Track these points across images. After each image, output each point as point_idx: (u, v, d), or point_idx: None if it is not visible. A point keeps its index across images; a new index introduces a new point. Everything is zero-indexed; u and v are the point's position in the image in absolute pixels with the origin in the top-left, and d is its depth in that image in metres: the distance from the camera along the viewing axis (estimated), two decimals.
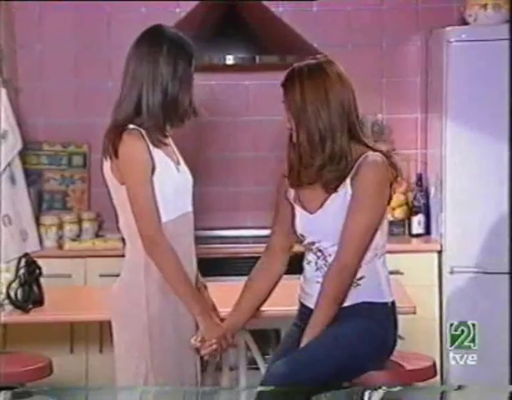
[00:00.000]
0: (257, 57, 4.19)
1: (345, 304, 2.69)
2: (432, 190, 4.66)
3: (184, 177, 2.82)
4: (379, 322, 2.70)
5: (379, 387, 3.17)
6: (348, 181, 2.64)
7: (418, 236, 4.64)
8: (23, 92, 4.77)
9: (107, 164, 2.77)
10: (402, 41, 4.79)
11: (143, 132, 2.71)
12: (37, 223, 4.55)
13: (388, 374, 3.23)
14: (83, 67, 4.79)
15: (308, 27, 4.63)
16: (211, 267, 4.40)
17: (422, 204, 4.65)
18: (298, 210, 2.73)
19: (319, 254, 2.71)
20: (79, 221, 4.65)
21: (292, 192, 2.76)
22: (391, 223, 4.69)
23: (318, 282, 2.71)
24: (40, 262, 3.60)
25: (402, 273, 4.34)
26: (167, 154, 2.76)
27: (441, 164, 4.44)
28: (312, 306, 2.72)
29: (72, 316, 3.62)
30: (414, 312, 3.38)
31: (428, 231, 4.65)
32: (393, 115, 4.82)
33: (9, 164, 4.39)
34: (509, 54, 3.94)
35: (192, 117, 2.82)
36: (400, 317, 3.71)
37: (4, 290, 3.56)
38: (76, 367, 4.23)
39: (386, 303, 2.73)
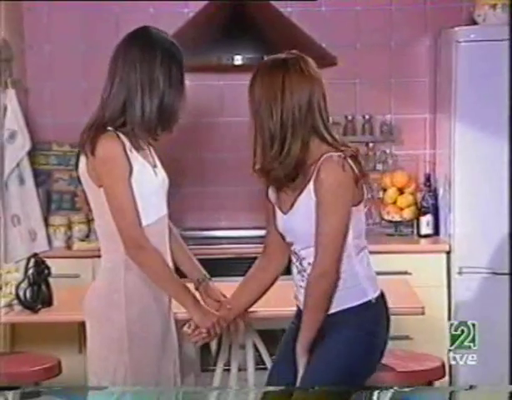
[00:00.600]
0: (265, 58, 4.18)
1: (330, 311, 2.66)
2: (440, 190, 4.65)
3: (161, 179, 2.79)
4: (365, 326, 2.66)
5: (388, 388, 3.17)
6: (311, 184, 2.59)
7: (426, 236, 4.63)
8: (32, 92, 4.78)
9: (82, 162, 2.73)
10: (411, 41, 4.78)
11: (122, 135, 2.68)
12: (46, 223, 4.56)
13: (397, 375, 3.23)
14: (92, 67, 4.80)
15: (317, 27, 4.62)
16: (212, 267, 4.42)
17: (430, 204, 4.64)
18: (277, 210, 2.72)
19: (296, 257, 2.70)
20: (88, 221, 4.66)
21: (271, 192, 2.74)
22: (399, 223, 4.70)
23: (301, 286, 2.69)
24: (49, 262, 3.61)
25: (410, 274, 4.33)
26: (144, 157, 2.74)
27: (450, 164, 4.43)
28: (301, 307, 2.70)
29: (81, 316, 3.61)
30: (423, 313, 3.37)
31: (436, 231, 4.64)
32: (401, 115, 4.82)
33: (18, 164, 4.40)
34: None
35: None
36: (409, 318, 3.71)
37: (13, 290, 3.57)
38: (84, 366, 4.23)
39: (369, 301, 2.68)
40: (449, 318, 4.39)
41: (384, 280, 4.16)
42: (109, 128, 2.69)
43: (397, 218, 4.68)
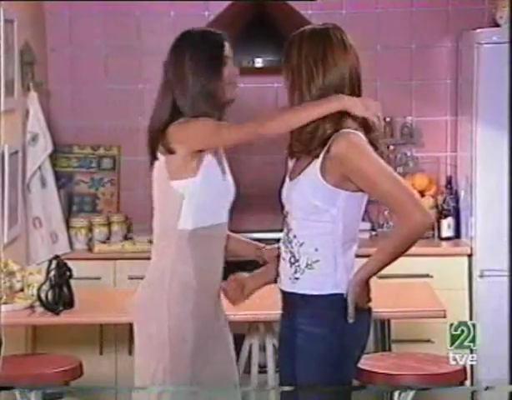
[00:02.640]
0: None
1: (301, 291, 2.58)
2: (462, 193, 4.63)
3: (227, 187, 2.82)
4: (333, 325, 2.56)
5: (409, 389, 3.16)
6: (320, 157, 2.55)
7: (447, 239, 4.61)
8: (54, 95, 4.81)
9: (161, 161, 2.75)
10: (432, 43, 4.77)
11: None
12: (67, 226, 4.58)
13: (418, 377, 3.22)
14: (113, 70, 4.82)
15: None
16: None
17: (452, 207, 4.62)
18: (287, 178, 2.68)
19: (286, 227, 2.65)
20: (109, 223, 4.67)
21: (289, 161, 2.70)
22: None
23: (284, 259, 2.63)
24: (70, 264, 3.63)
25: (432, 277, 4.32)
26: (217, 160, 2.79)
27: (471, 167, 4.41)
28: (279, 284, 2.65)
29: (102, 318, 3.64)
30: (445, 316, 3.36)
31: (457, 234, 4.62)
32: (422, 117, 4.80)
33: (40, 167, 4.42)
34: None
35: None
36: (430, 321, 3.70)
37: (35, 292, 3.59)
38: (105, 368, 4.25)
39: (341, 294, 2.58)
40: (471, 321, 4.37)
41: (405, 283, 4.19)
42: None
43: None
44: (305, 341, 2.57)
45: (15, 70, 4.20)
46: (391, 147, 4.78)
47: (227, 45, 2.82)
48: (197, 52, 2.76)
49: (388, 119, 4.78)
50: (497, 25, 4.43)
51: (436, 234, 4.66)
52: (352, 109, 2.54)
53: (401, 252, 2.58)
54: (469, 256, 4.42)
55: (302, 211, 2.59)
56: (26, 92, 4.37)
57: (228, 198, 2.82)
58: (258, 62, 4.23)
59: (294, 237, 2.61)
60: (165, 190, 2.75)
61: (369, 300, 2.64)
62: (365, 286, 2.61)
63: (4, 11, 3.97)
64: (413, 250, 4.70)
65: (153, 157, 2.76)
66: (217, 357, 2.79)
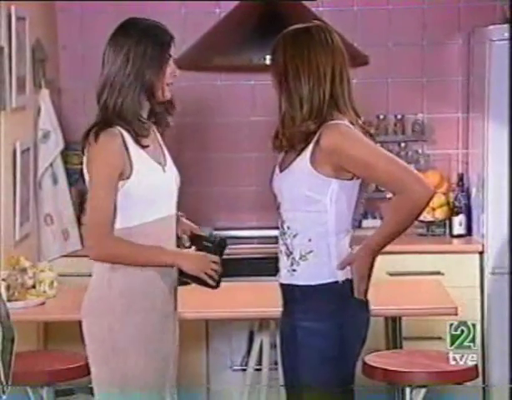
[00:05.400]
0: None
1: (298, 282, 2.60)
2: (473, 190, 4.61)
3: (169, 178, 2.71)
4: (332, 317, 2.56)
5: (421, 386, 3.15)
6: (310, 147, 2.58)
7: (459, 236, 4.60)
8: (65, 92, 4.82)
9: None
10: (443, 40, 4.76)
11: (124, 132, 2.63)
12: (79, 223, 4.59)
13: (430, 375, 3.22)
14: None
15: (349, 26, 4.61)
16: (233, 267, 4.41)
17: (463, 204, 4.61)
18: (276, 170, 2.70)
19: (280, 218, 2.66)
20: None
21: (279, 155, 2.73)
22: (432, 223, 4.67)
23: (281, 251, 2.65)
24: (81, 261, 3.63)
25: (443, 274, 4.31)
26: (152, 155, 2.67)
27: (483, 164, 4.40)
28: (281, 281, 2.65)
29: None
30: (456, 314, 3.36)
31: (469, 231, 4.61)
32: (434, 114, 4.79)
33: (51, 164, 4.43)
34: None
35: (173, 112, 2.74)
36: (442, 318, 3.69)
37: (47, 288, 3.60)
38: None
39: (337, 282, 2.60)
40: (482, 319, 4.36)
41: (416, 280, 4.18)
42: (111, 126, 2.65)
43: (429, 218, 4.65)
44: (305, 335, 2.57)
45: (27, 67, 4.21)
46: (402, 145, 4.77)
47: (172, 43, 2.75)
48: (141, 45, 2.72)
49: (399, 116, 4.77)
50: (509, 21, 4.41)
51: (447, 231, 4.65)
52: (184, 267, 2.66)
53: (404, 227, 2.60)
54: (481, 253, 4.41)
55: (294, 202, 2.61)
56: (37, 90, 4.38)
57: (172, 189, 2.72)
58: (269, 60, 4.22)
59: (288, 228, 2.63)
60: None
61: (367, 291, 2.64)
62: (366, 274, 2.60)
63: (16, 9, 3.98)
64: (424, 247, 4.72)
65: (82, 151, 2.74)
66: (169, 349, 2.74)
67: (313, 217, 2.58)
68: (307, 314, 2.58)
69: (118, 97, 2.63)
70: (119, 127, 2.63)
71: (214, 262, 2.68)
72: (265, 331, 3.71)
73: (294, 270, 2.61)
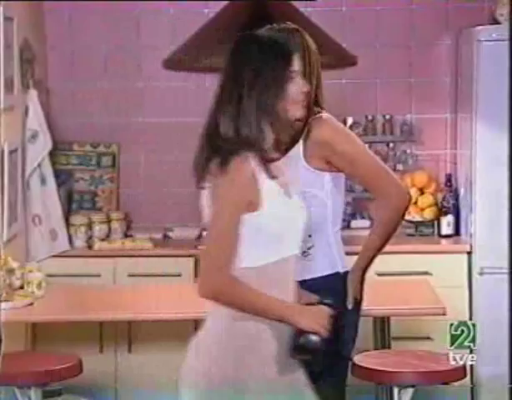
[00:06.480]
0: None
1: (301, 279, 2.50)
2: (461, 190, 4.62)
3: (297, 211, 2.32)
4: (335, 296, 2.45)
5: (410, 386, 3.16)
6: (300, 143, 2.60)
7: (447, 237, 4.61)
8: (54, 92, 4.80)
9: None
10: (431, 40, 4.77)
11: (252, 160, 2.23)
12: (67, 223, 4.58)
13: (417, 375, 3.22)
14: (113, 67, 4.82)
15: (337, 27, 4.62)
16: None
17: (451, 205, 4.62)
18: None
19: None
20: (108, 221, 4.67)
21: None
22: (420, 224, 4.68)
23: None
24: (70, 261, 3.63)
25: (431, 274, 4.32)
26: (280, 185, 2.27)
27: (471, 164, 4.41)
28: None
29: (102, 315, 3.64)
30: (444, 314, 3.36)
31: (457, 232, 4.62)
32: (422, 115, 4.80)
33: (39, 164, 4.42)
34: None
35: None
36: (430, 318, 3.70)
37: (35, 289, 3.59)
38: (105, 366, 4.25)
39: (338, 273, 2.66)
40: (471, 319, 4.37)
41: (404, 280, 4.19)
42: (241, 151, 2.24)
43: (418, 218, 4.66)
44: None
45: (15, 67, 4.20)
46: (391, 145, 4.78)
47: (296, 56, 2.43)
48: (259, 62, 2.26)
49: (387, 117, 4.78)
50: (496, 22, 4.43)
51: (436, 232, 4.66)
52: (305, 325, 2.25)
53: (388, 236, 2.67)
54: (469, 253, 4.42)
55: None
56: (25, 90, 4.36)
57: (298, 226, 2.32)
58: None
59: None
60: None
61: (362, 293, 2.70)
62: (362, 277, 2.69)
63: (4, 9, 3.97)
64: (412, 247, 4.72)
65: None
66: None
67: (312, 213, 2.55)
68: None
69: (246, 122, 2.24)
70: (248, 154, 2.24)
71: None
72: None
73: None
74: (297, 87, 2.33)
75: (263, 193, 2.23)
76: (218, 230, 2.22)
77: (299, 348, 2.22)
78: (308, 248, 2.62)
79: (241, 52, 2.31)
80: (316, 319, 2.25)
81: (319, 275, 2.63)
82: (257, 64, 2.26)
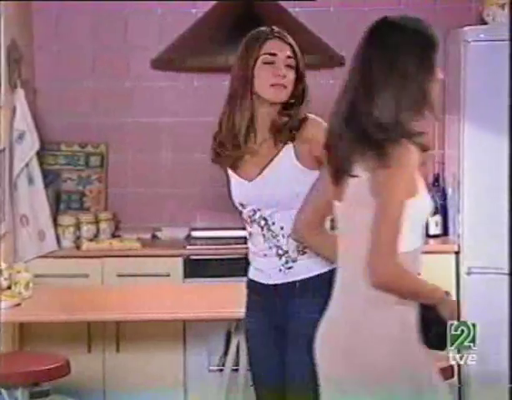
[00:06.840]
0: None
1: (298, 278, 2.62)
2: (449, 191, 4.64)
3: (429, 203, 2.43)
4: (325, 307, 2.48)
5: None
6: (290, 143, 2.63)
7: (435, 237, 4.62)
8: (41, 92, 4.79)
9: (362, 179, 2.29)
10: None
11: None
12: (55, 223, 4.57)
13: None
14: (100, 67, 4.81)
15: (325, 27, 4.62)
16: (220, 267, 4.41)
17: (439, 205, 4.63)
18: (234, 180, 2.71)
19: (264, 223, 2.65)
20: (96, 221, 4.67)
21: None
22: None
23: (265, 255, 2.65)
24: (58, 262, 3.62)
25: (419, 274, 4.32)
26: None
27: (459, 165, 4.42)
28: (263, 281, 2.66)
29: (90, 315, 3.64)
30: None
31: (445, 232, 4.63)
32: None
33: (27, 165, 4.41)
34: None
35: None
36: None
37: (22, 289, 3.58)
38: (93, 366, 4.25)
39: (334, 269, 2.58)
40: (458, 319, 4.37)
41: None
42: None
43: None
44: (300, 326, 2.58)
45: (1, 67, 4.19)
46: None
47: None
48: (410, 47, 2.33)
49: None
50: (484, 23, 4.44)
51: (424, 231, 4.66)
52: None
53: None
54: (457, 253, 4.43)
55: (283, 202, 2.62)
56: (12, 90, 4.35)
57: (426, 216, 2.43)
58: None
59: (281, 228, 2.64)
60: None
61: None
62: None
63: None
64: None
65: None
66: None
67: None
68: (304, 306, 2.61)
69: (407, 111, 2.34)
70: (410, 144, 2.38)
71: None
72: (242, 331, 3.71)
73: (290, 267, 2.64)
74: (438, 80, 2.38)
75: (418, 179, 2.37)
76: (391, 219, 2.26)
77: (438, 338, 2.33)
78: (304, 247, 2.64)
79: (397, 38, 2.42)
80: (454, 312, 2.38)
81: (318, 273, 2.64)
82: (417, 52, 2.36)
